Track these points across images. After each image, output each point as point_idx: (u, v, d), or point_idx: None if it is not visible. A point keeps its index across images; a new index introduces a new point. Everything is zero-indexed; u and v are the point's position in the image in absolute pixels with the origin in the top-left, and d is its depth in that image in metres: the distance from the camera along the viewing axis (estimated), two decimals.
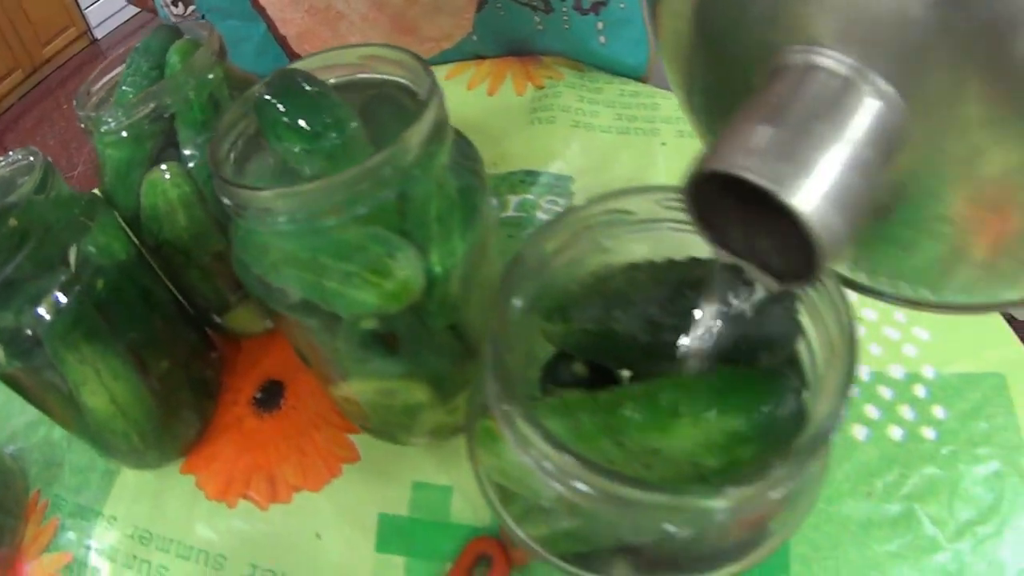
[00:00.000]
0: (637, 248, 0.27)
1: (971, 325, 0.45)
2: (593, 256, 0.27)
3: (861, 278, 0.25)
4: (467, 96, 0.55)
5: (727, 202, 0.18)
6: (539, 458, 0.22)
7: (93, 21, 2.56)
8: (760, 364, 0.24)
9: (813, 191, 0.17)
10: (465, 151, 0.32)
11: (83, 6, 2.50)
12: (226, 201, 0.29)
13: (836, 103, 0.18)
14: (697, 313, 0.22)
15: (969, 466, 0.41)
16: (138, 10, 0.58)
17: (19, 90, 2.32)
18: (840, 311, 0.22)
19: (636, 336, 0.24)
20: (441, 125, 0.29)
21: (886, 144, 0.18)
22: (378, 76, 0.33)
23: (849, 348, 0.21)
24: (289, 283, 0.30)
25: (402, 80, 0.33)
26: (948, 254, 0.22)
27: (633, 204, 0.25)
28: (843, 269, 0.25)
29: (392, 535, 0.38)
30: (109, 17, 2.59)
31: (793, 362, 0.26)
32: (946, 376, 0.43)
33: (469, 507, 0.38)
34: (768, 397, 0.22)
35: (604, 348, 0.26)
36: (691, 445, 0.22)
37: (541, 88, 0.55)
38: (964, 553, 0.39)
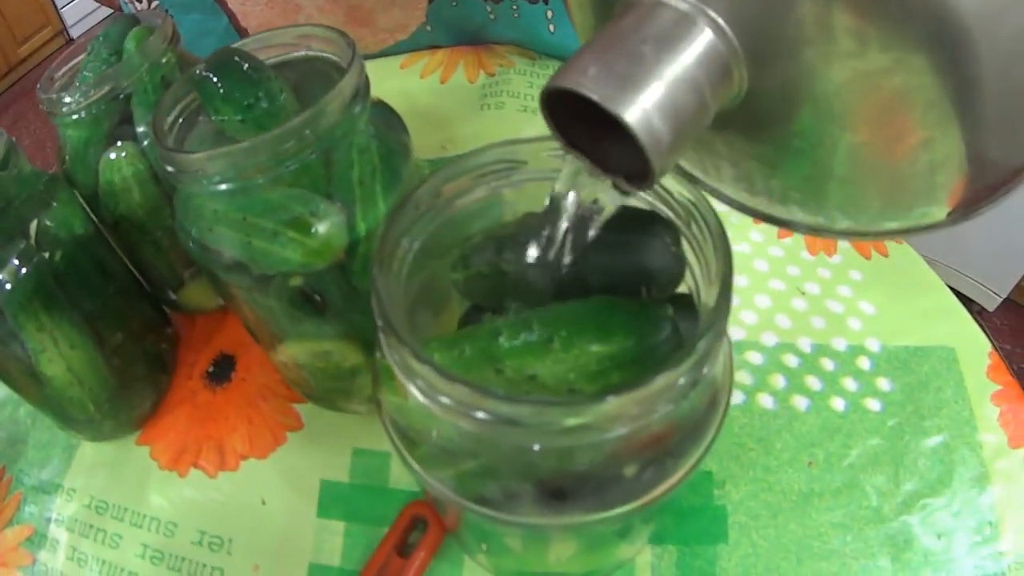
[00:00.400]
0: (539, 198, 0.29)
1: (919, 299, 0.47)
2: (495, 206, 0.29)
3: (761, 205, 0.27)
4: (420, 84, 0.59)
5: (587, 120, 0.21)
6: (426, 389, 0.24)
7: (69, 20, 2.56)
8: (645, 298, 0.26)
9: (638, 103, 0.19)
10: (390, 121, 0.35)
11: (59, 5, 2.50)
12: (168, 168, 0.32)
13: (670, 32, 0.21)
14: (554, 241, 0.24)
15: (916, 438, 0.42)
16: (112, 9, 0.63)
17: None
18: (714, 234, 0.24)
19: (523, 275, 0.26)
20: (360, 91, 0.32)
21: (718, 67, 0.21)
22: (312, 54, 0.36)
23: (723, 254, 0.23)
24: (222, 244, 0.33)
25: (333, 57, 0.36)
26: (813, 170, 0.24)
27: (524, 154, 0.27)
28: (741, 197, 0.27)
29: (333, 501, 0.40)
30: (85, 16, 2.58)
31: (685, 300, 0.28)
32: (892, 349, 0.44)
33: (407, 474, 0.40)
34: (641, 325, 0.24)
35: (498, 291, 0.28)
36: (565, 371, 0.24)
37: (492, 75, 0.59)
38: (912, 525, 0.40)
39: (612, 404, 0.22)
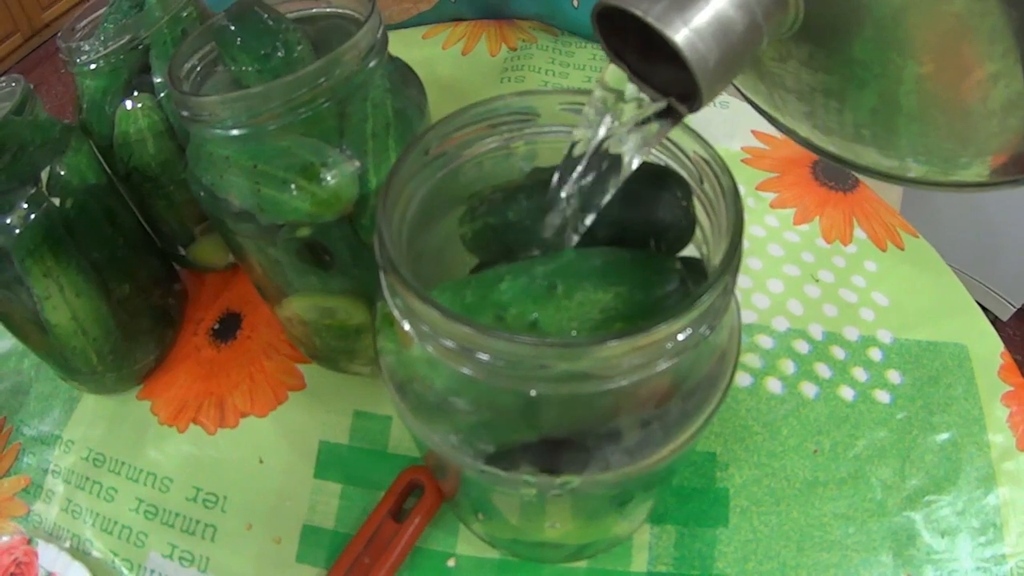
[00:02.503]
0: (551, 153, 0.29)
1: (933, 293, 0.46)
2: (505, 160, 0.29)
3: (835, 145, 0.26)
4: (441, 54, 0.59)
5: (639, 41, 0.21)
6: (427, 332, 0.23)
7: None
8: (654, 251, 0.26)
9: (685, 21, 0.19)
10: (407, 79, 0.35)
11: None
12: (182, 113, 0.32)
13: None
14: (568, 188, 0.24)
15: (924, 434, 0.42)
16: None
17: (17, 54, 2.34)
18: (726, 191, 0.24)
19: (528, 224, 0.26)
20: (377, 45, 0.32)
21: None
22: (332, 10, 0.37)
23: (733, 212, 0.23)
24: (232, 191, 0.33)
25: (353, 13, 0.36)
26: (880, 104, 0.23)
27: (537, 106, 0.27)
28: (816, 137, 0.27)
29: (331, 462, 0.40)
30: None
31: (695, 264, 0.28)
32: (904, 342, 0.44)
33: (407, 438, 0.40)
34: (647, 275, 0.24)
35: (506, 244, 0.28)
36: (567, 319, 0.24)
37: (514, 50, 0.59)
38: (916, 521, 0.40)
39: (611, 349, 0.21)
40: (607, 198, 0.24)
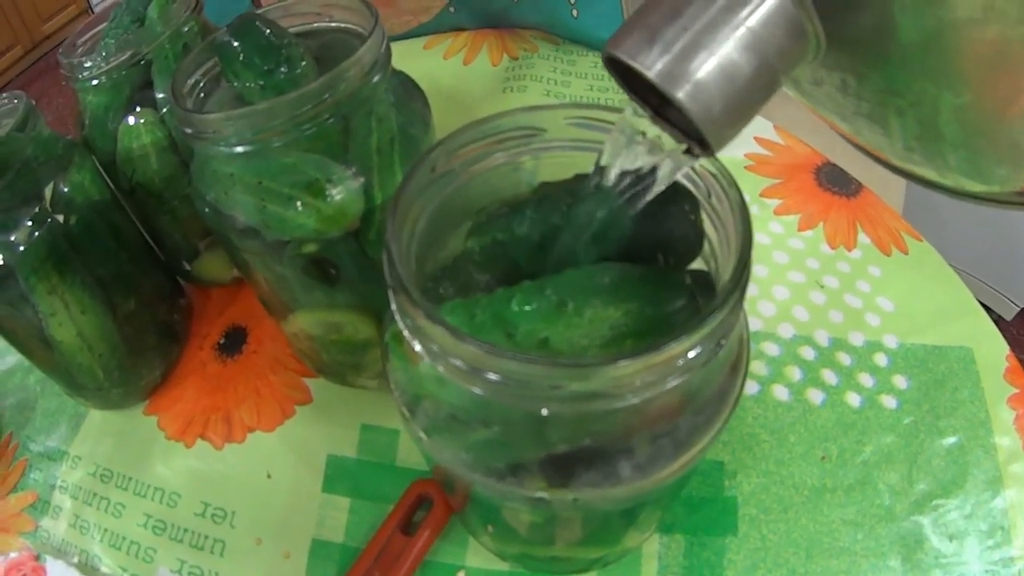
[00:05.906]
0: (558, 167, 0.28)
1: (938, 297, 0.46)
2: (513, 175, 0.29)
3: (891, 161, 0.25)
4: (443, 65, 0.59)
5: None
6: (436, 351, 0.23)
7: None
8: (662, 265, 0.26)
9: (687, 73, 0.18)
10: (411, 92, 0.35)
11: None
12: (186, 130, 0.32)
13: None
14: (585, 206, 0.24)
15: (931, 438, 0.42)
16: None
17: (18, 66, 2.34)
18: (734, 206, 0.24)
19: (536, 239, 0.26)
20: (380, 60, 0.32)
21: (785, 24, 0.19)
22: (334, 24, 0.36)
23: (742, 227, 0.23)
24: (237, 208, 0.33)
25: (355, 27, 0.36)
26: (922, 131, 0.22)
27: (543, 121, 0.27)
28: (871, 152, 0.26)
29: (339, 476, 0.40)
30: None
31: (703, 277, 0.27)
32: (909, 346, 0.44)
33: (415, 451, 0.40)
34: (657, 292, 0.24)
35: (515, 259, 0.27)
36: (578, 336, 0.24)
37: (516, 59, 0.58)
38: (924, 525, 0.39)
39: (623, 368, 0.21)
40: (626, 223, 0.24)
